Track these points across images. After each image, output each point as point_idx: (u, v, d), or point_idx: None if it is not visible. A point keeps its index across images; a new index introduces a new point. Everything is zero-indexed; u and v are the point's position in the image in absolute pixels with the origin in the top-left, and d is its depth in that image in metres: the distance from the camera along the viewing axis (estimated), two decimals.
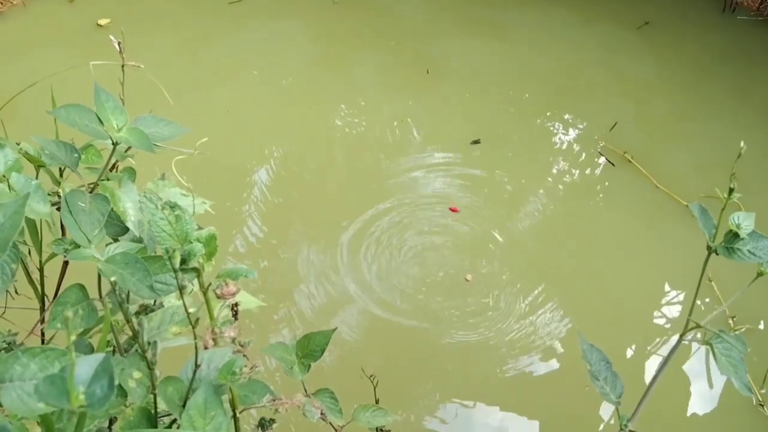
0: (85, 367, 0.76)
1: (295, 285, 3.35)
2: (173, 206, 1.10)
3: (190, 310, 1.17)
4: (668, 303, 3.42)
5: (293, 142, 3.99)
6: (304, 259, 3.44)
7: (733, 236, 1.46)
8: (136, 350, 1.36)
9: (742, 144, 1.50)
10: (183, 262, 1.09)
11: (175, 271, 1.02)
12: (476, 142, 4.05)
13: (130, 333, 1.58)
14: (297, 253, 3.46)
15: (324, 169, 3.89)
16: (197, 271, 1.11)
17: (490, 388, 3.10)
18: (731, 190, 1.41)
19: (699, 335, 1.50)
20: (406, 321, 3.27)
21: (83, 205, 1.42)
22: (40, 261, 1.87)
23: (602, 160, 4.00)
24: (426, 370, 3.14)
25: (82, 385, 0.75)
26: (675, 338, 3.25)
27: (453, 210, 3.57)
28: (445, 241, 3.60)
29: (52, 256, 1.75)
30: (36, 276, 1.92)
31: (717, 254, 1.48)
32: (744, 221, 1.44)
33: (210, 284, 1.15)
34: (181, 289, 1.04)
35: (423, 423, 2.99)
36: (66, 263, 1.88)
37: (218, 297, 1.12)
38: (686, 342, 1.48)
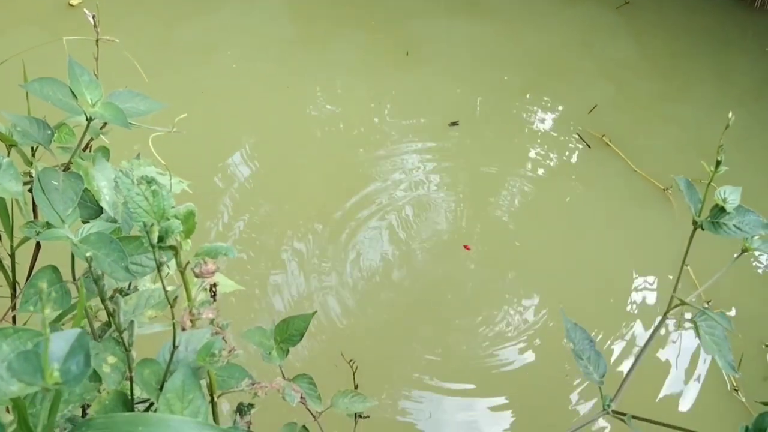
0: (60, 343, 0.73)
1: (272, 271, 3.31)
2: (150, 181, 1.06)
3: (168, 288, 1.13)
4: (644, 285, 3.42)
5: (269, 124, 3.94)
6: (279, 245, 3.40)
7: (719, 211, 1.44)
8: (111, 335, 1.32)
9: (730, 115, 1.48)
10: (160, 239, 1.05)
11: (153, 247, 0.98)
12: (454, 123, 4.02)
13: (104, 319, 1.54)
14: (273, 238, 3.42)
15: (301, 151, 3.85)
16: (175, 249, 1.07)
17: (467, 373, 3.09)
18: (718, 163, 1.39)
19: (684, 319, 1.48)
20: (385, 306, 3.24)
21: (56, 183, 1.39)
22: (11, 246, 1.83)
23: (580, 143, 3.98)
24: (404, 355, 3.12)
25: (56, 362, 0.72)
26: (652, 320, 3.28)
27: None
28: (423, 226, 3.57)
29: (24, 240, 1.71)
30: (7, 262, 1.88)
31: (703, 229, 1.45)
32: (730, 195, 1.42)
33: (188, 263, 1.11)
34: (159, 266, 1.00)
35: (401, 409, 2.97)
36: (38, 248, 1.84)
37: (197, 276, 1.09)
38: (669, 319, 1.46)
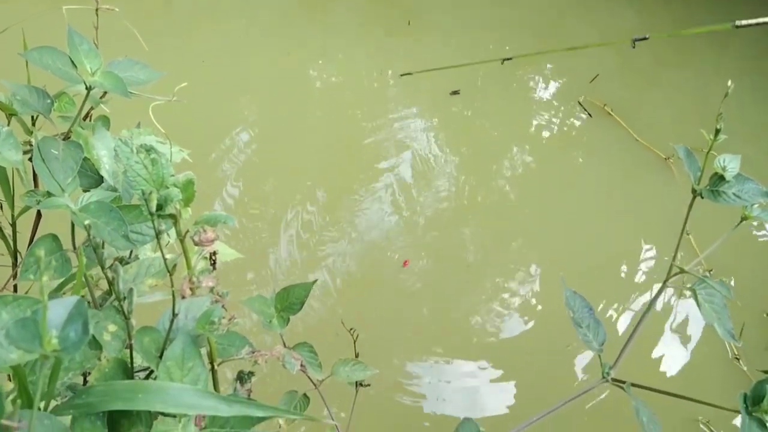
0: (58, 310, 0.73)
1: (273, 242, 3.31)
2: (149, 149, 1.06)
3: (168, 256, 1.13)
4: (646, 254, 3.42)
5: (270, 94, 3.93)
6: (281, 215, 3.40)
7: (719, 179, 1.43)
8: (111, 303, 1.33)
9: (729, 83, 1.47)
10: (159, 208, 1.05)
11: (151, 215, 0.98)
12: (455, 93, 4.00)
13: (105, 288, 1.55)
14: (275, 208, 3.42)
15: (303, 120, 3.84)
16: (174, 218, 1.07)
17: (469, 343, 3.10)
18: (717, 131, 1.38)
19: (685, 287, 1.48)
20: (387, 277, 3.25)
21: (56, 152, 1.38)
22: (13, 216, 1.83)
23: (582, 112, 3.97)
24: (406, 326, 3.12)
25: (55, 329, 0.72)
26: (653, 288, 3.28)
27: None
28: (425, 196, 3.56)
29: (25, 209, 1.71)
30: (8, 231, 1.88)
31: (702, 197, 1.45)
32: (730, 163, 1.41)
33: (187, 232, 1.11)
34: (158, 234, 1.00)
35: (402, 379, 2.98)
36: (39, 217, 1.84)
37: (196, 244, 1.09)
38: (670, 288, 1.46)
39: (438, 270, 3.29)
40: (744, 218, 1.45)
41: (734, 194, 1.41)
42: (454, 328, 3.14)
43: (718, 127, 1.37)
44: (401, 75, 3.98)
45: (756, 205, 1.43)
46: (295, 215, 3.40)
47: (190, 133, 3.50)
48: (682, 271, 1.44)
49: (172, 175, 1.11)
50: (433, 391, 2.97)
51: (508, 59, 3.56)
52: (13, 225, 1.86)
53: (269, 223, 3.37)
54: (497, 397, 2.98)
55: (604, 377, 1.45)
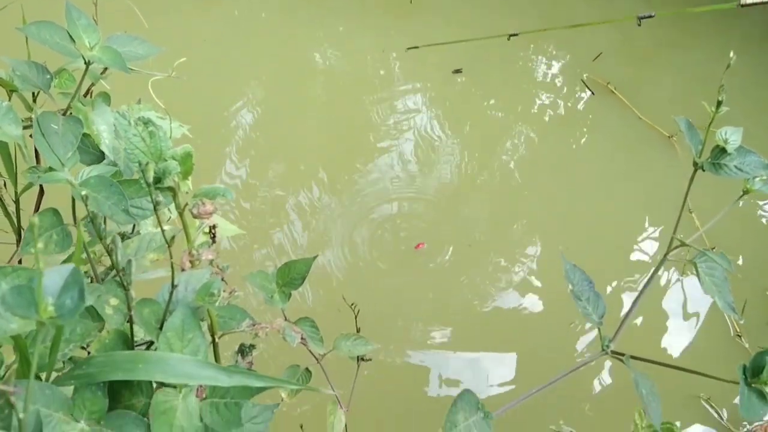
0: (54, 278, 0.73)
1: (278, 224, 3.31)
2: (147, 122, 1.06)
3: (166, 228, 1.13)
4: (648, 232, 3.42)
5: (272, 73, 3.92)
6: (283, 193, 3.40)
7: (720, 151, 1.43)
8: (113, 278, 1.33)
9: (731, 54, 1.46)
10: (158, 181, 1.06)
11: (148, 185, 0.98)
12: (458, 71, 3.99)
13: (108, 265, 1.55)
14: (277, 187, 3.42)
15: (304, 100, 3.83)
16: (173, 191, 1.07)
17: (472, 319, 3.11)
18: (719, 104, 1.37)
19: (686, 260, 1.48)
20: (389, 254, 3.25)
21: (56, 127, 1.39)
22: (16, 193, 1.84)
23: (585, 90, 3.96)
24: (409, 302, 3.13)
25: (51, 297, 0.72)
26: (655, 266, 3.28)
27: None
28: (428, 173, 3.56)
29: (28, 186, 1.72)
30: (12, 209, 1.90)
31: (703, 170, 1.44)
32: (731, 136, 1.40)
33: (186, 205, 1.11)
34: (156, 205, 1.00)
35: (404, 355, 3.00)
36: (41, 194, 1.85)
37: (194, 216, 1.09)
38: (672, 263, 1.45)
39: (441, 248, 3.29)
40: (745, 191, 1.44)
41: (736, 167, 1.40)
42: (455, 307, 3.14)
43: (720, 98, 1.37)
44: (408, 48, 3.95)
45: (757, 179, 1.42)
46: (299, 195, 3.40)
47: (191, 113, 3.48)
48: (682, 244, 1.44)
49: (171, 148, 1.11)
50: (434, 368, 2.98)
51: (514, 35, 3.55)
52: (17, 202, 1.87)
53: (273, 204, 3.37)
54: (499, 376, 2.99)
55: (603, 350, 1.45)
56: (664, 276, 3.28)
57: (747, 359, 2.97)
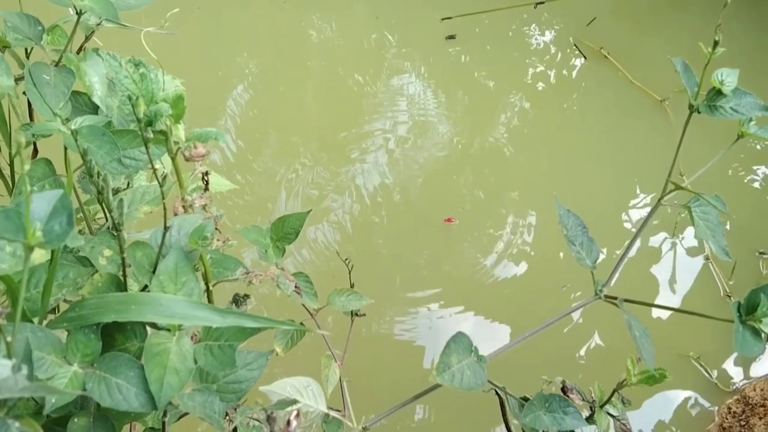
0: (42, 203, 0.72)
1: (272, 195, 3.31)
2: (138, 63, 1.05)
3: (156, 166, 1.13)
4: (640, 196, 3.42)
5: (266, 42, 3.89)
6: (277, 165, 3.39)
7: (716, 93, 1.41)
8: (107, 229, 1.33)
9: (720, 18, 1.45)
10: (149, 124, 1.05)
11: (138, 121, 0.97)
12: (451, 37, 3.96)
13: (102, 222, 1.55)
14: (270, 159, 3.41)
15: (298, 68, 3.81)
16: (164, 134, 1.06)
17: (467, 288, 3.11)
18: (716, 43, 1.36)
19: (678, 206, 1.47)
20: (384, 226, 3.25)
21: (48, 77, 1.38)
22: (10, 155, 1.83)
23: (578, 56, 3.94)
24: (403, 272, 3.14)
25: (39, 222, 0.72)
26: (651, 232, 3.29)
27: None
28: (421, 142, 3.55)
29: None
30: (7, 172, 1.89)
31: (699, 113, 1.43)
32: (727, 78, 1.39)
33: (179, 149, 1.11)
34: (146, 142, 0.99)
35: (398, 322, 3.01)
36: (35, 153, 1.84)
37: (187, 159, 1.09)
38: (664, 205, 1.45)
39: (434, 219, 3.29)
40: (740, 135, 1.43)
41: (732, 108, 1.39)
42: (452, 274, 3.15)
43: (717, 38, 1.35)
44: (442, 19, 3.95)
45: (752, 122, 1.41)
46: (292, 167, 3.39)
47: (185, 73, 3.49)
48: (677, 187, 1.43)
49: (163, 91, 1.11)
50: (429, 333, 2.99)
51: (540, 3, 3.62)
52: (11, 165, 1.86)
53: (264, 174, 3.37)
54: (491, 337, 3.00)
55: (596, 294, 1.45)
56: (654, 241, 3.29)
57: None
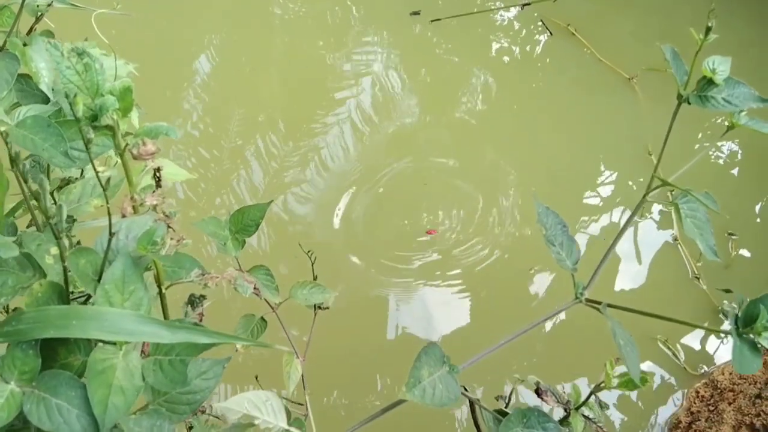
0: None
1: (235, 171, 3.24)
2: (81, 53, 0.96)
3: (111, 173, 1.04)
4: (606, 175, 3.40)
5: (229, 22, 3.81)
6: (240, 142, 3.32)
7: (707, 83, 1.33)
8: (55, 224, 1.24)
9: None
10: (95, 118, 0.96)
11: (77, 120, 0.88)
12: (416, 13, 3.88)
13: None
14: (233, 136, 3.34)
15: (262, 45, 3.74)
16: (111, 129, 0.98)
17: (437, 270, 3.07)
18: (708, 29, 1.28)
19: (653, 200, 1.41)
20: (349, 205, 3.20)
21: None
22: None
23: (545, 32, 3.88)
24: (369, 253, 3.10)
25: None
26: (613, 208, 3.26)
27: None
28: (386, 120, 3.50)
29: None
30: None
31: (689, 103, 1.35)
32: (720, 66, 1.31)
33: (126, 145, 1.02)
34: (87, 143, 0.91)
35: (366, 305, 2.97)
36: None
37: (134, 157, 1.00)
38: (649, 200, 1.38)
39: (402, 201, 3.24)
40: (731, 126, 1.35)
41: (724, 99, 1.31)
42: (415, 253, 3.10)
43: (710, 24, 1.27)
44: (411, 13, 3.88)
45: (743, 113, 1.34)
46: (256, 143, 3.33)
47: (144, 59, 3.40)
48: (664, 183, 1.36)
49: (109, 83, 1.02)
50: (397, 314, 2.95)
51: None
52: None
53: (230, 151, 3.30)
54: (457, 318, 2.97)
55: (577, 297, 1.38)
56: (612, 218, 3.27)
57: (704, 300, 2.97)
